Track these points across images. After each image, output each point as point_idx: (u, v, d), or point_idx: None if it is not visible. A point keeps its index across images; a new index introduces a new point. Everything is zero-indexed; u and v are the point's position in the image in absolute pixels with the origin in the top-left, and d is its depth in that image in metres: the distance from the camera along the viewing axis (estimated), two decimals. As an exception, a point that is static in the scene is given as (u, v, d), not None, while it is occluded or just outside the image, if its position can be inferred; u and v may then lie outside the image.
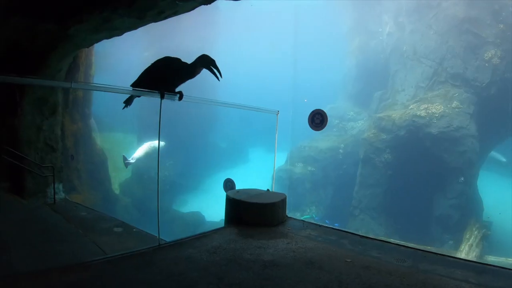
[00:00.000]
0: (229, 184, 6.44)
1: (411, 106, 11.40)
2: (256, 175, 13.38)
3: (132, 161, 13.90)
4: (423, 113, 10.91)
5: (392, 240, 7.32)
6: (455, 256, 3.43)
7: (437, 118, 10.65)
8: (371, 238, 3.55)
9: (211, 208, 12.59)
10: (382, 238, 4.03)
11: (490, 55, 11.07)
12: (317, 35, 20.18)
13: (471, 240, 10.24)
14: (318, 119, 5.53)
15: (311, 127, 5.46)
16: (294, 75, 19.11)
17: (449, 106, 10.79)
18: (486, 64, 10.98)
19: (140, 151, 14.32)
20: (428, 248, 4.40)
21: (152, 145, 14.44)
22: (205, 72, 3.18)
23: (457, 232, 10.28)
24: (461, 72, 11.23)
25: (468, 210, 10.49)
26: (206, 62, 3.02)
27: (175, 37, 16.20)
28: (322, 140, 14.25)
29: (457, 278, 2.62)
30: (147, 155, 13.80)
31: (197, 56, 3.13)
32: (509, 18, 11.39)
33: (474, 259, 9.48)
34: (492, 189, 12.52)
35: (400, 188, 11.12)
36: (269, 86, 17.38)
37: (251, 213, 3.57)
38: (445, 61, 11.55)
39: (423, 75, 11.92)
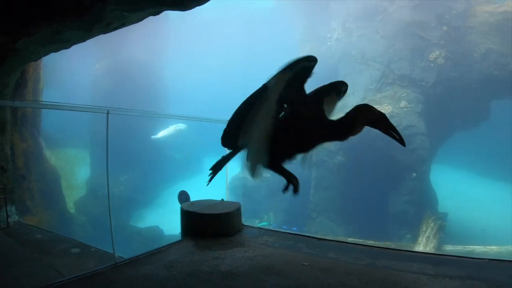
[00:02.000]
0: (183, 197, 7.32)
1: None
2: (212, 185, 15.07)
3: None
4: None
5: (349, 240, 9.03)
6: (412, 250, 4.15)
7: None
8: (328, 240, 4.04)
9: (169, 222, 13.80)
10: (339, 239, 4.78)
11: (435, 56, 13.23)
12: (270, 43, 22.54)
13: (427, 232, 11.87)
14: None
15: None
16: (245, 84, 21.29)
17: (397, 106, 12.74)
18: (432, 65, 13.16)
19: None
20: (386, 245, 5.59)
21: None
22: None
23: (414, 226, 11.99)
24: (408, 73, 13.31)
25: (423, 204, 12.24)
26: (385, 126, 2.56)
27: (125, 49, 17.78)
28: None
29: (414, 271, 3.05)
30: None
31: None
32: (453, 21, 13.51)
33: (432, 251, 11.32)
34: (445, 181, 14.75)
35: (355, 189, 12.78)
36: (222, 95, 19.33)
37: (206, 224, 3.94)
38: (392, 64, 13.63)
39: (371, 77, 13.94)
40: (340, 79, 11.42)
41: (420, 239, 11.95)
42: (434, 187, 13.81)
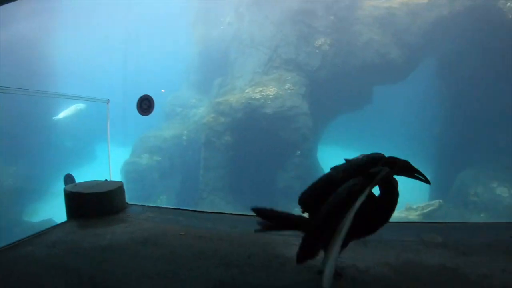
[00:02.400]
0: (69, 180, 7.12)
1: (247, 90, 14.05)
2: (104, 171, 15.22)
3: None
4: (258, 96, 13.60)
5: (227, 212, 9.70)
6: None
7: (271, 99, 13.43)
8: (207, 212, 4.27)
9: (63, 212, 13.93)
10: (219, 211, 4.82)
11: (320, 43, 14.45)
12: (163, 25, 22.88)
13: None
14: (145, 105, 6.86)
15: (139, 112, 6.76)
16: (140, 66, 21.93)
17: (282, 88, 13.70)
18: (317, 51, 14.38)
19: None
20: None
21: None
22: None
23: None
24: (294, 57, 14.40)
25: (308, 180, 13.80)
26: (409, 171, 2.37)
27: (12, 26, 16.64)
28: (166, 128, 16.53)
29: (285, 234, 3.28)
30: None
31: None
32: (340, 12, 14.75)
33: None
34: (332, 159, 16.21)
35: (243, 167, 13.55)
36: (113, 77, 19.72)
37: (89, 203, 4.04)
38: (279, 48, 14.67)
39: (259, 61, 14.87)
40: (230, 62, 12.28)
41: None
42: (322, 165, 14.99)
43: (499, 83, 12.54)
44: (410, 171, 2.54)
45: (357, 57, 14.43)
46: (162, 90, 18.14)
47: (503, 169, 12.86)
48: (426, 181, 2.55)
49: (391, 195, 2.51)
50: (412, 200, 12.83)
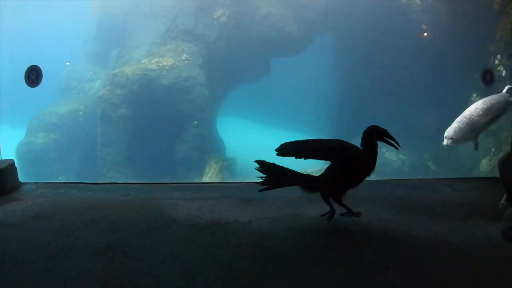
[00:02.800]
0: None
1: (143, 61, 14.37)
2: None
3: None
4: (154, 67, 14.02)
5: (120, 181, 10.04)
6: (178, 182, 5.06)
7: (168, 70, 13.91)
8: (100, 183, 4.65)
9: None
10: (112, 181, 5.55)
11: (219, 14, 15.05)
12: None
13: (210, 173, 13.90)
14: (33, 75, 7.00)
15: (27, 84, 6.89)
16: (32, 39, 21.14)
17: (179, 59, 14.21)
18: (215, 22, 14.98)
19: None
20: (153, 181, 6.11)
21: None
22: None
23: (199, 169, 13.85)
24: (192, 28, 14.90)
25: (206, 149, 14.15)
26: (379, 134, 3.56)
27: None
28: (62, 104, 16.25)
29: (175, 198, 3.88)
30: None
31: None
32: None
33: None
34: (232, 130, 17.30)
35: (141, 140, 13.97)
36: None
37: None
38: (178, 19, 15.06)
39: (157, 32, 15.18)
40: (128, 33, 12.52)
41: (204, 179, 13.79)
42: (222, 137, 16.25)
43: (389, 58, 14.31)
44: (386, 136, 3.58)
45: (254, 30, 15.25)
46: (67, 63, 17.84)
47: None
48: (397, 146, 3.60)
49: (374, 155, 3.53)
50: (307, 166, 14.23)
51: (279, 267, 2.57)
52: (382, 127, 3.60)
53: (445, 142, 8.28)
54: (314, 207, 3.68)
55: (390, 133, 3.56)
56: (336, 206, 3.53)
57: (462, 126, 8.07)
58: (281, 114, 19.67)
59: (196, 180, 13.91)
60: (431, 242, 3.07)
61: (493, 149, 10.91)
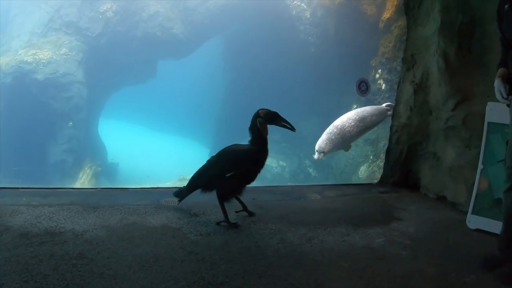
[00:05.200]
0: None
1: (20, 52, 15.83)
2: None
3: None
4: (30, 59, 15.57)
5: None
6: (28, 187, 5.66)
7: (44, 64, 15.56)
8: None
9: None
10: None
11: (105, 8, 17.18)
12: None
13: (82, 179, 15.57)
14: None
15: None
16: None
17: (57, 53, 15.92)
18: (100, 16, 17.06)
19: None
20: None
21: None
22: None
23: (74, 174, 15.51)
24: (75, 21, 16.77)
25: (82, 153, 15.88)
26: (268, 118, 4.18)
27: None
28: None
29: (19, 204, 4.39)
30: None
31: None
32: None
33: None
34: (115, 134, 19.44)
35: (11, 139, 15.35)
36: None
37: None
38: (62, 9, 16.82)
39: (40, 21, 16.76)
40: (10, 19, 14.98)
41: (76, 185, 15.29)
42: (104, 140, 18.38)
43: (276, 66, 17.84)
44: (278, 120, 4.17)
45: (140, 28, 17.69)
46: None
47: (271, 143, 18.59)
48: (292, 129, 4.17)
49: (262, 142, 4.19)
50: (187, 172, 17.42)
51: (95, 283, 2.84)
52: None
53: (316, 156, 10.09)
54: (161, 215, 4.35)
55: (281, 115, 4.09)
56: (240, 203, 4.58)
57: (333, 137, 9.87)
58: (168, 118, 22.91)
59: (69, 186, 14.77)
60: (274, 251, 3.67)
61: (371, 157, 13.84)
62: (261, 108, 4.24)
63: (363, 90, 10.53)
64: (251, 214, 4.48)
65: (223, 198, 4.21)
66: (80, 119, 16.50)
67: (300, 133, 16.30)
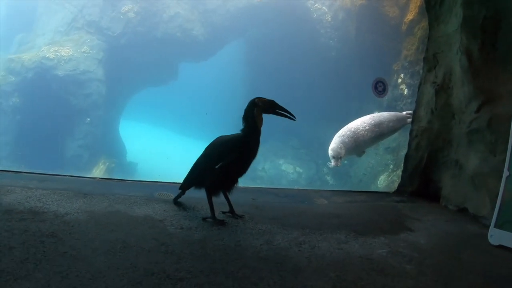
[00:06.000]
0: None
1: (42, 48, 15.90)
2: None
3: None
4: (52, 56, 15.59)
5: None
6: (26, 172, 5.81)
7: (65, 61, 15.54)
8: None
9: None
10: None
11: (127, 9, 17.16)
12: None
13: (96, 173, 15.30)
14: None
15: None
16: None
17: (79, 50, 15.88)
18: (121, 16, 17.03)
19: None
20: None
21: None
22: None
23: (88, 170, 15.27)
24: (97, 20, 16.79)
25: (97, 150, 15.82)
26: (265, 107, 3.88)
27: None
28: None
29: (17, 185, 4.47)
30: None
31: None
32: None
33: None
34: (136, 135, 19.57)
35: (32, 133, 15.40)
36: None
37: None
38: (85, 9, 16.92)
39: (63, 20, 16.92)
40: (36, 18, 15.10)
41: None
42: (124, 140, 18.37)
43: (296, 70, 17.52)
44: (276, 108, 3.86)
45: (160, 29, 17.53)
46: None
47: (289, 148, 18.08)
48: (292, 117, 3.83)
49: (255, 132, 3.90)
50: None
51: (53, 260, 2.82)
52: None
53: (333, 163, 9.28)
54: (148, 206, 4.27)
55: (279, 103, 3.80)
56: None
57: (346, 140, 9.14)
58: (191, 121, 22.66)
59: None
60: (255, 252, 3.37)
61: (391, 166, 13.19)
62: (257, 96, 3.98)
63: (380, 91, 9.71)
64: (237, 216, 4.18)
65: (211, 192, 4.01)
66: (97, 116, 16.53)
67: (319, 139, 16.38)
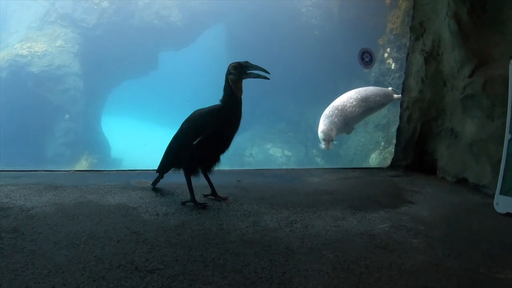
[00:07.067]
0: None
1: (15, 46, 15.46)
2: None
3: None
4: (25, 52, 15.14)
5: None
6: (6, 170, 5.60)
7: (39, 57, 15.08)
8: None
9: None
10: None
11: None
12: None
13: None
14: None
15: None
16: None
17: (53, 45, 15.43)
18: (95, 7, 16.52)
19: None
20: None
21: None
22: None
23: (70, 167, 14.07)
24: (70, 12, 16.33)
25: (79, 146, 15.54)
26: (241, 71, 3.61)
27: None
28: None
29: None
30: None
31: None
32: None
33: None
34: (117, 129, 19.18)
35: (9, 133, 14.86)
36: None
37: None
38: (58, 2, 16.31)
39: (36, 15, 16.44)
40: (8, 16, 14.53)
41: None
42: (108, 136, 18.13)
43: (279, 52, 17.02)
44: (250, 69, 3.59)
45: (136, 17, 17.21)
46: None
47: (276, 132, 17.88)
48: (265, 76, 3.62)
49: (235, 101, 3.70)
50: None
51: (9, 257, 2.69)
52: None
53: (323, 145, 8.84)
54: (123, 194, 4.11)
55: (251, 63, 3.54)
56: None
57: (335, 119, 8.66)
58: (175, 112, 22.27)
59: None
60: (239, 235, 3.11)
61: (382, 143, 13.03)
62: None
63: (367, 61, 9.34)
64: (219, 199, 3.96)
65: (189, 172, 3.80)
66: (77, 112, 16.12)
67: (306, 121, 16.46)
